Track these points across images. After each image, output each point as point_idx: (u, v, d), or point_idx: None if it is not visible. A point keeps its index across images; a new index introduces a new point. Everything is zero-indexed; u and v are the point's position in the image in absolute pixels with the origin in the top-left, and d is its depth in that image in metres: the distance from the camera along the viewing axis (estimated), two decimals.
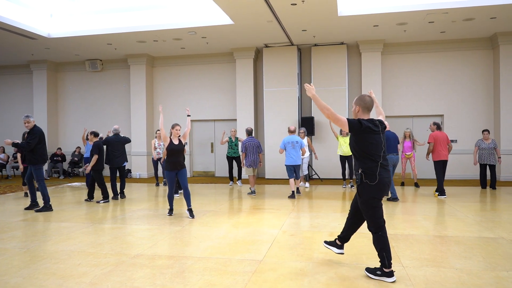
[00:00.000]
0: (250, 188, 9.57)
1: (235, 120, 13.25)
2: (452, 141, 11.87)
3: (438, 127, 8.63)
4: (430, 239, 5.02)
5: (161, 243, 5.00)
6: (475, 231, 5.44)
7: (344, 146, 9.90)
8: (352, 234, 4.08)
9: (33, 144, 6.99)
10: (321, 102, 3.60)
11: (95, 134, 8.48)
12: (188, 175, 13.87)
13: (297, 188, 9.04)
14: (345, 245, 4.65)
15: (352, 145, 3.72)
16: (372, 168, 3.56)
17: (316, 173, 12.27)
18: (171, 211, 6.85)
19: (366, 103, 3.69)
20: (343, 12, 9.78)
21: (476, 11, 9.48)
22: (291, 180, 8.66)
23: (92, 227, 5.96)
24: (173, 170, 6.63)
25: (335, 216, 6.60)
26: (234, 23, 10.21)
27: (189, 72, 13.91)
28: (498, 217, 6.41)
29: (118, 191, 8.86)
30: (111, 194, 8.75)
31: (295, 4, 8.84)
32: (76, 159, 14.02)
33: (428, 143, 8.57)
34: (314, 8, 9.17)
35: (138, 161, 13.85)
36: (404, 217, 6.45)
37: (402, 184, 10.73)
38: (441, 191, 8.51)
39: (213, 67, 13.73)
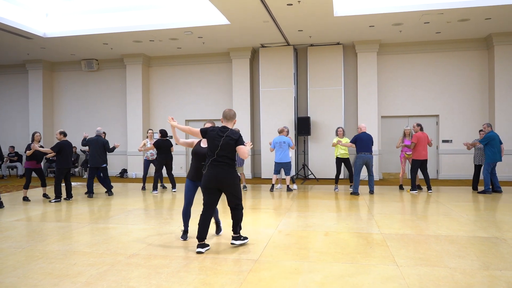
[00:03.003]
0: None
1: None
2: (447, 141, 12.23)
3: (421, 128, 9.37)
4: (424, 239, 5.06)
5: (156, 243, 5.00)
6: (469, 230, 5.48)
7: (341, 148, 9.56)
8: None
9: None
10: (181, 126, 4.90)
11: (64, 134, 8.87)
12: (183, 176, 13.87)
13: (287, 186, 9.68)
14: (340, 244, 4.83)
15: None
16: (206, 162, 4.70)
17: (312, 173, 12.30)
18: (185, 233, 5.14)
19: (224, 114, 4.85)
20: (339, 13, 9.82)
21: (471, 11, 9.54)
22: (274, 176, 9.84)
23: (87, 227, 5.95)
24: (197, 180, 5.03)
25: (330, 216, 6.63)
26: (231, 23, 10.23)
27: (186, 72, 13.90)
28: (492, 216, 6.46)
29: (105, 189, 9.60)
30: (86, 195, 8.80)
31: (291, 5, 8.87)
32: (72, 158, 13.93)
33: (411, 142, 9.23)
34: (310, 9, 9.19)
35: (134, 161, 13.82)
36: (399, 217, 6.48)
37: (401, 187, 9.76)
38: (413, 187, 9.23)
39: (210, 67, 13.73)
